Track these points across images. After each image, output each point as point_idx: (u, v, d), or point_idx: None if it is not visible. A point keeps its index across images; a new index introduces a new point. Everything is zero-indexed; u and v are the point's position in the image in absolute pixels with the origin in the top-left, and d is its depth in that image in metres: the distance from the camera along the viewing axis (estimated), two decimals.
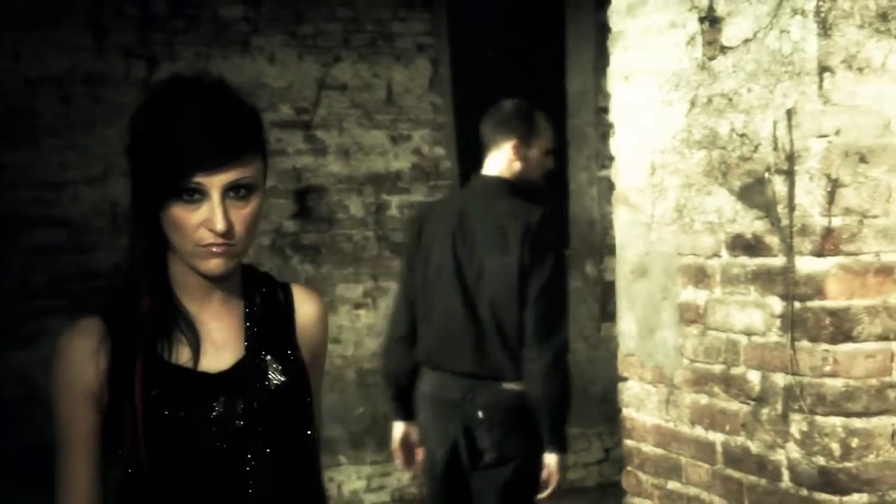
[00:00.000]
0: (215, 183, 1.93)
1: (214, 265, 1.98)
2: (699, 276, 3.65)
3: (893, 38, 3.17)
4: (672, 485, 3.82)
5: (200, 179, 1.93)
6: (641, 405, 3.95)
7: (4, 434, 6.85)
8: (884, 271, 3.17)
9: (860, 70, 3.15)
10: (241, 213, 1.97)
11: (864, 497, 3.17)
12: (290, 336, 2.13)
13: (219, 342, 2.07)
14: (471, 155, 8.05)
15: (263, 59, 7.63)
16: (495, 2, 8.41)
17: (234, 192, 1.96)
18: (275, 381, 2.05)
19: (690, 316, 3.69)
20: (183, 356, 2.04)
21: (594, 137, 8.27)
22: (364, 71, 7.88)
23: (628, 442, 4.03)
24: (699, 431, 3.67)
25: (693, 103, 3.63)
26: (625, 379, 4.05)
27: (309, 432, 2.11)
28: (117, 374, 2.00)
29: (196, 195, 1.94)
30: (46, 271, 7.11)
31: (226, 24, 7.56)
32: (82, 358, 2.01)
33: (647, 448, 3.93)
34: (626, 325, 4.01)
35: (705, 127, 3.58)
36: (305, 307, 2.17)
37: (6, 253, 7.06)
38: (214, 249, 1.96)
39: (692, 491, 3.73)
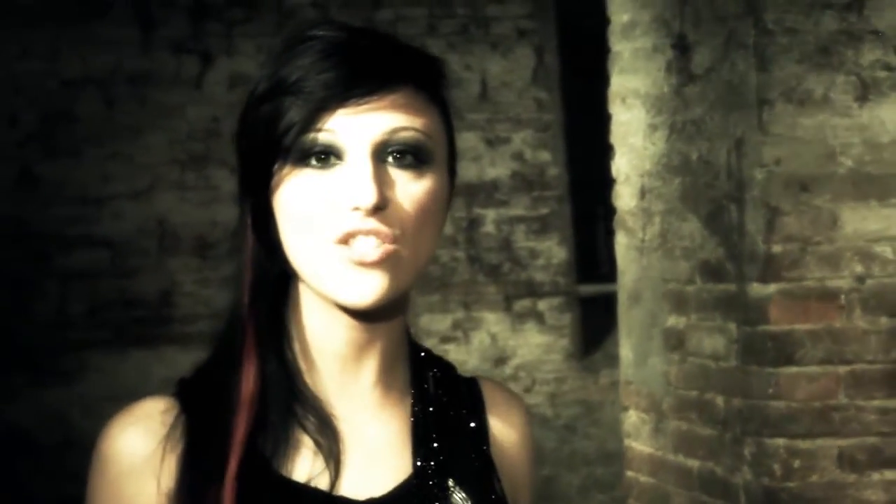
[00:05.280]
0: (361, 129, 1.60)
1: (364, 286, 1.61)
2: (679, 302, 5.11)
3: (834, 70, 4.61)
4: None
5: (334, 125, 1.60)
6: (638, 434, 5.44)
7: (37, 483, 8.03)
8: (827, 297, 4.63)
9: (800, 102, 4.61)
10: (410, 189, 1.62)
11: None
12: (482, 452, 1.79)
13: (371, 452, 1.72)
14: (581, 160, 9.22)
15: None
16: None
17: (397, 155, 1.62)
18: None
19: (673, 342, 5.16)
20: (308, 470, 1.68)
21: None
22: (454, 62, 8.51)
23: (629, 473, 5.51)
24: (680, 458, 5.15)
25: (672, 128, 5.07)
26: (626, 408, 5.53)
27: None
28: (193, 494, 1.63)
29: (331, 158, 1.61)
30: (85, 298, 8.31)
31: (291, 12, 8.67)
32: (136, 470, 1.65)
33: (644, 479, 5.41)
34: (625, 352, 5.49)
35: (681, 153, 4.99)
36: (504, 415, 1.83)
37: (40, 277, 8.25)
38: (363, 247, 1.59)
39: None
